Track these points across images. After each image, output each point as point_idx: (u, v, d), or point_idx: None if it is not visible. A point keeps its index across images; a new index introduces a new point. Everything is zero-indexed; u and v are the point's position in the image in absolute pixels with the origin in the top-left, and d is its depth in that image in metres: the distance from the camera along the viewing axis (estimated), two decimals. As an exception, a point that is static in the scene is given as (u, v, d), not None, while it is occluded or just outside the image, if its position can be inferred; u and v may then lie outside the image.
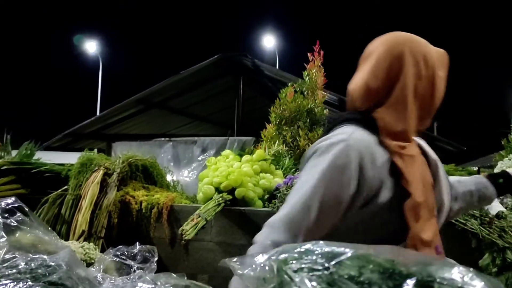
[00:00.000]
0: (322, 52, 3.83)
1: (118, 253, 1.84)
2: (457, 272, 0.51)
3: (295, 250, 0.57)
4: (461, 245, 2.14)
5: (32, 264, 0.97)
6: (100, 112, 18.38)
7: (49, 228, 1.73)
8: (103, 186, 2.97)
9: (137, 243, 2.12)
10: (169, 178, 3.65)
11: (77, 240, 2.63)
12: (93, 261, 2.28)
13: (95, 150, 3.65)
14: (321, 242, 0.57)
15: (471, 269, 0.52)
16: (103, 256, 1.97)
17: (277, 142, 3.55)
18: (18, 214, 1.54)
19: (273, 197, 2.73)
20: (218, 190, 2.75)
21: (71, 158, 3.58)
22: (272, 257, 0.58)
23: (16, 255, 1.03)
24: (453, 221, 2.16)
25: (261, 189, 2.79)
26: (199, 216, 2.47)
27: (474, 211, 2.12)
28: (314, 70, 3.82)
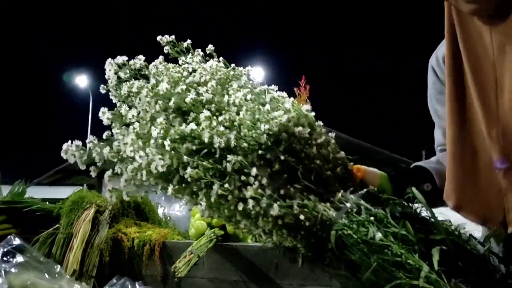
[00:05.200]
0: (308, 86, 3.92)
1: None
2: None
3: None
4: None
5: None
6: (90, 146, 18.29)
7: (58, 267, 1.72)
8: (95, 223, 2.96)
9: (141, 281, 2.11)
10: (160, 212, 3.63)
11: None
12: (85, 301, 2.27)
13: (85, 186, 3.63)
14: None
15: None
16: None
17: (267, 175, 3.59)
18: (16, 254, 1.54)
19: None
20: (210, 225, 2.77)
21: (63, 192, 3.56)
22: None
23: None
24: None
25: (252, 224, 2.81)
26: (192, 253, 2.48)
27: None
28: (301, 104, 3.89)
